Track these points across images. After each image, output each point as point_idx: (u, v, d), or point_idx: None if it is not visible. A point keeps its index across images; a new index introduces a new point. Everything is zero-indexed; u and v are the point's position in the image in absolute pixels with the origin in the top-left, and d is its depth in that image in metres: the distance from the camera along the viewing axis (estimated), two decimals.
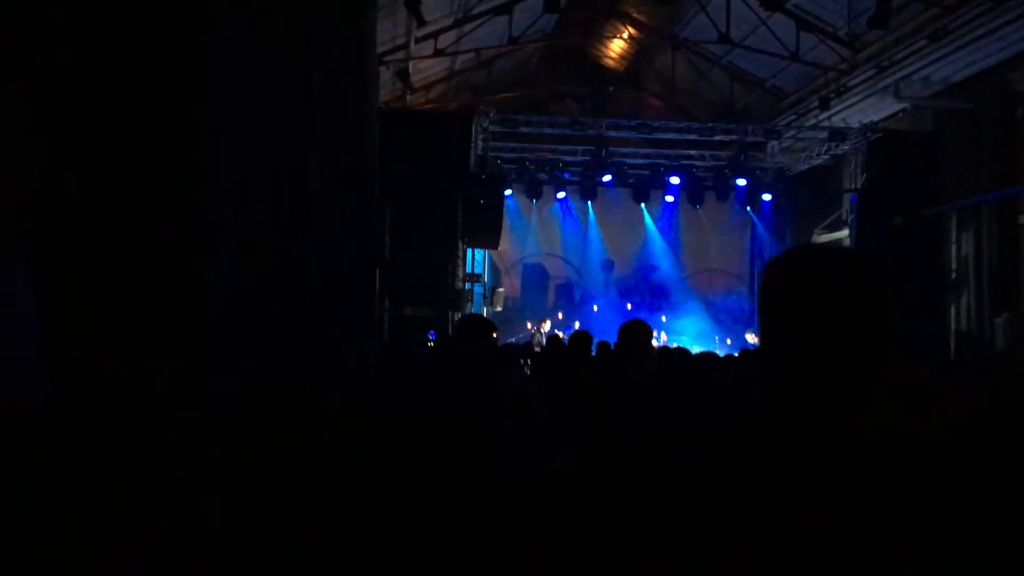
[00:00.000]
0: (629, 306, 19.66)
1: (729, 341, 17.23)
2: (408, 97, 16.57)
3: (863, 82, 14.44)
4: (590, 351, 6.64)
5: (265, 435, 3.20)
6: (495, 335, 3.87)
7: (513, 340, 14.24)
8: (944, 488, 1.19)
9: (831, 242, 15.05)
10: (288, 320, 4.39)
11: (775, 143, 17.56)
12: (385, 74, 14.13)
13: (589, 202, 19.38)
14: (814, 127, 16.24)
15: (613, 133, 16.66)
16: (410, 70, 15.08)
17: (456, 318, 14.64)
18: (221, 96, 3.40)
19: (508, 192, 17.33)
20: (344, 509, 2.91)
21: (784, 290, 1.32)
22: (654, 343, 15.54)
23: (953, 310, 13.87)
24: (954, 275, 13.90)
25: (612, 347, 6.07)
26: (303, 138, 4.53)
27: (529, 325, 17.11)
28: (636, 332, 4.50)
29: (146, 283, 2.63)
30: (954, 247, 13.95)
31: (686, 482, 1.25)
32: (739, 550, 1.15)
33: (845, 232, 15.38)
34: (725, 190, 18.49)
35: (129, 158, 3.04)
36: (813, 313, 1.26)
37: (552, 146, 17.54)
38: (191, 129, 3.17)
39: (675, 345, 13.35)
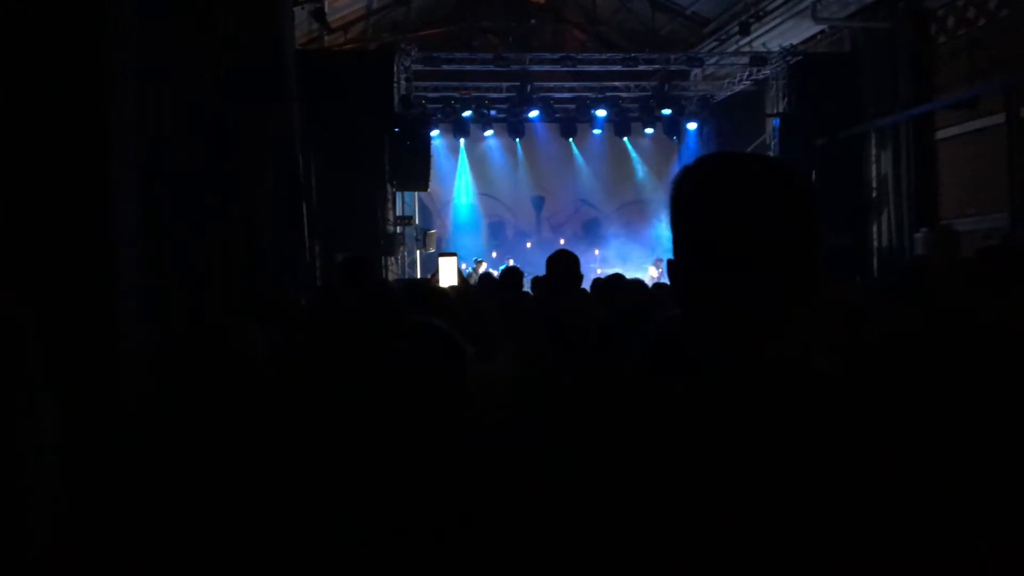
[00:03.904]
0: (562, 241, 19.79)
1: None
2: (326, 38, 16.12)
3: (781, 5, 14.51)
4: (521, 286, 6.67)
5: (195, 387, 3.12)
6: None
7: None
8: (863, 420, 1.05)
9: None
10: (211, 261, 4.29)
11: (698, 71, 17.60)
12: (300, 15, 13.68)
13: (517, 139, 19.26)
14: (735, 53, 16.31)
15: (537, 67, 16.50)
16: (326, 9, 14.64)
17: (389, 263, 14.53)
18: (123, 36, 3.26)
19: (435, 132, 17.10)
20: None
21: (700, 198, 1.11)
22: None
23: (875, 227, 14.23)
24: (875, 193, 14.23)
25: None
26: (208, 79, 4.37)
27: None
28: (562, 263, 4.49)
29: (49, 231, 2.53)
30: (874, 166, 14.24)
31: (598, 418, 1.12)
32: (648, 483, 1.04)
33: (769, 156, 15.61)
34: (651, 120, 18.53)
35: (35, 93, 2.92)
36: (735, 222, 1.06)
37: (477, 83, 17.31)
38: (93, 68, 3.05)
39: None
